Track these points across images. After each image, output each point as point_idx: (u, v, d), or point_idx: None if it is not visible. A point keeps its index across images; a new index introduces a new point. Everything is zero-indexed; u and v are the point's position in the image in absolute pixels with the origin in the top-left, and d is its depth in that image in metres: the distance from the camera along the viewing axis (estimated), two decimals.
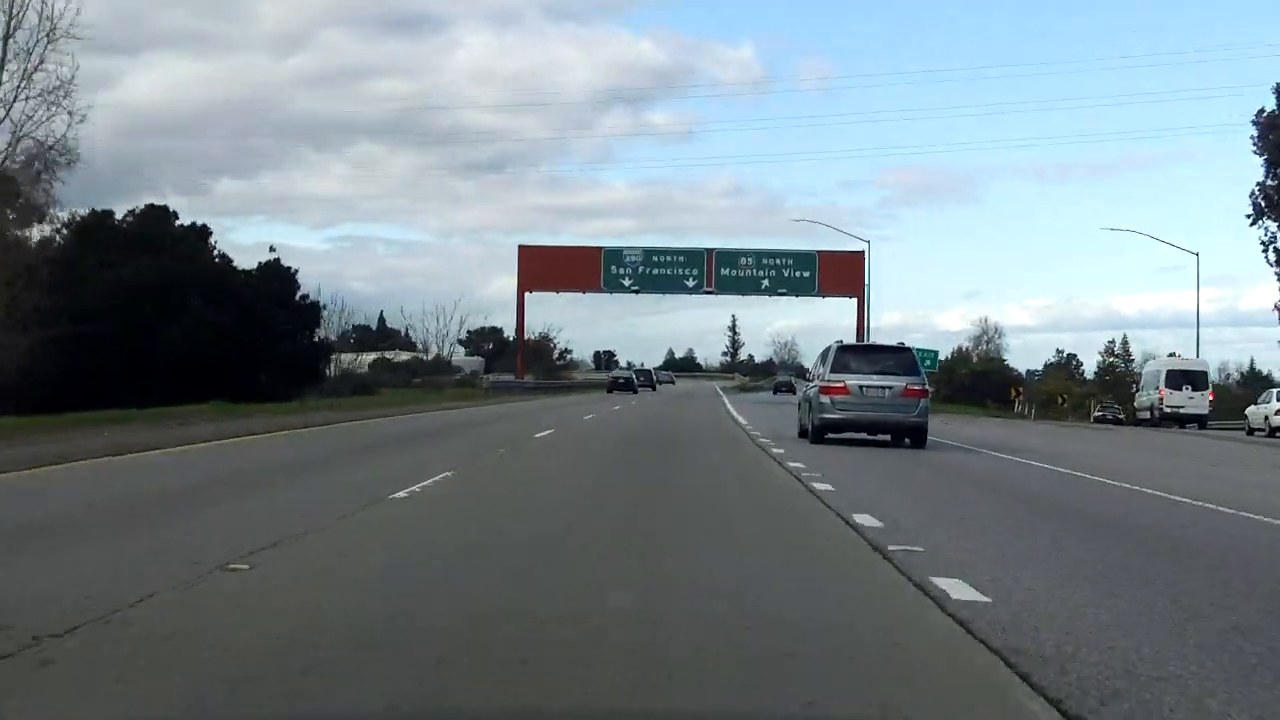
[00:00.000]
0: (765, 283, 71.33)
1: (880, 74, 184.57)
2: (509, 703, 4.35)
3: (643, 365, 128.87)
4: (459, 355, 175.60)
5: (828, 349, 24.56)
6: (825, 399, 22.65)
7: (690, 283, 71.46)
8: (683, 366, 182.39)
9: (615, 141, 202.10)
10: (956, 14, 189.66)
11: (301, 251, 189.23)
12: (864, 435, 23.25)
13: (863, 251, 72.40)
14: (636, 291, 72.80)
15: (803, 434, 24.65)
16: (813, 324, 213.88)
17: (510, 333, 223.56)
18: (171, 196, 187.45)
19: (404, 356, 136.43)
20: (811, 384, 24.91)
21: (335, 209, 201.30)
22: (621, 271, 71.31)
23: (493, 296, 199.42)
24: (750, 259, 71.47)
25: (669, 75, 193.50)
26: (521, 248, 73.63)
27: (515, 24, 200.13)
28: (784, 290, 71.46)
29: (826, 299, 73.79)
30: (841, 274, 70.87)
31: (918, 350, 70.93)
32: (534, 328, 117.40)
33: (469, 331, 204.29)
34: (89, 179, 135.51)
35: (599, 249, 73.06)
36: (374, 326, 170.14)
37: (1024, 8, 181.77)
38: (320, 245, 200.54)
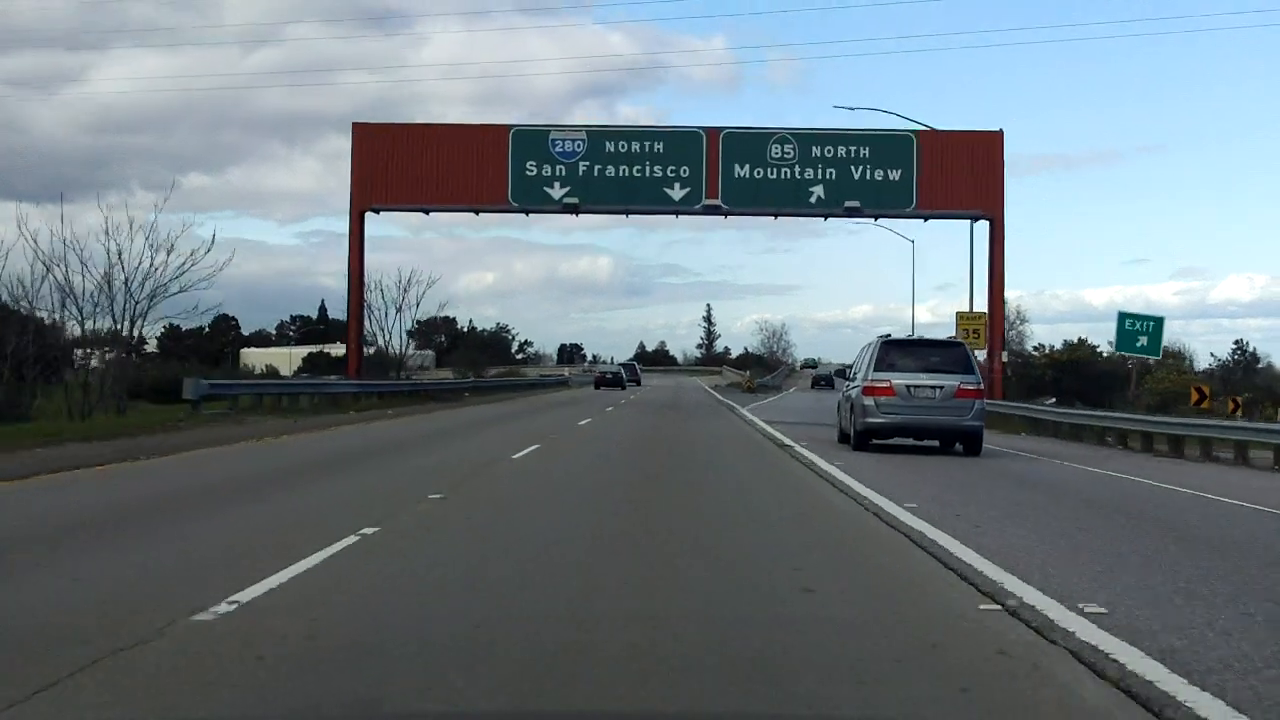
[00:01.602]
0: (817, 193, 37.37)
1: (852, 67, 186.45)
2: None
3: (612, 360, 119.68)
4: (408, 349, 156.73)
5: (870, 344, 22.12)
6: (868, 401, 20.37)
7: (677, 192, 37.49)
8: (655, 360, 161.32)
9: None
10: (929, 7, 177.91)
11: (272, 246, 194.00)
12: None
13: (1000, 133, 38.68)
14: (575, 209, 38.67)
15: (843, 439, 22.20)
16: (793, 317, 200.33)
17: (465, 323, 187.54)
18: (140, 191, 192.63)
19: (343, 350, 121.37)
20: (852, 384, 22.39)
21: (306, 204, 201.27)
22: (548, 173, 37.49)
23: (462, 292, 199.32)
24: (790, 148, 37.51)
25: (640, 70, 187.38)
26: (358, 127, 39.03)
27: (484, 18, 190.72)
28: (855, 203, 37.33)
29: (931, 221, 39.92)
30: (965, 175, 37.22)
31: (1131, 319, 38.80)
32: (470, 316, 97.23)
33: (417, 322, 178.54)
34: (56, 173, 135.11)
35: (504, 129, 38.82)
36: (314, 316, 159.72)
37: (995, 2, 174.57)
38: (291, 240, 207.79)
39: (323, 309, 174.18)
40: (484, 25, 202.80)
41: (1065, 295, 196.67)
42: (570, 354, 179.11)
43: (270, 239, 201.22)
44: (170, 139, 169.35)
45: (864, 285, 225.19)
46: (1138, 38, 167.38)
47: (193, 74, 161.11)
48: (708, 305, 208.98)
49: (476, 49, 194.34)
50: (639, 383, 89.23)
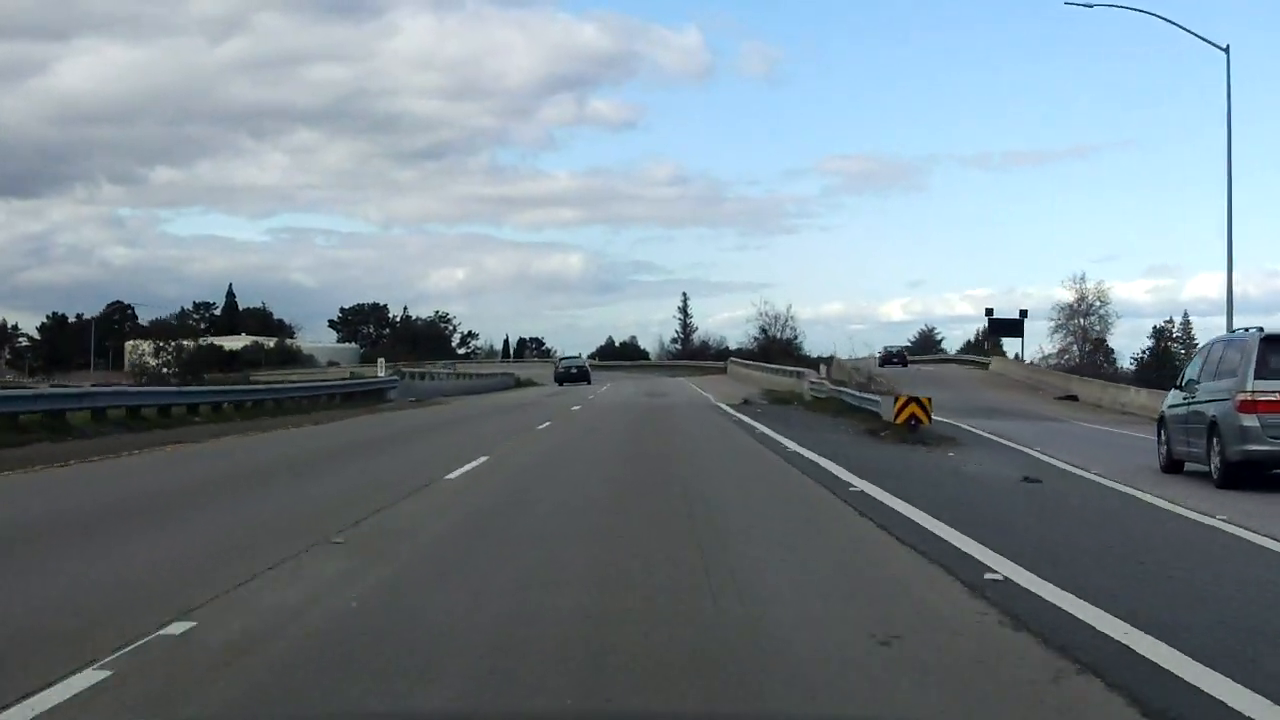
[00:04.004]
0: None
1: (826, 60, 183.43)
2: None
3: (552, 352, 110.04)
4: (327, 342, 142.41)
5: (1230, 340, 16.98)
6: (1248, 420, 15.03)
7: None
8: (625, 355, 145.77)
9: (557, 130, 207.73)
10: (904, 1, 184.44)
11: (240, 243, 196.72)
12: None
13: None
14: None
15: (1171, 468, 17.19)
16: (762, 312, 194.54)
17: (396, 310, 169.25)
18: (106, 185, 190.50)
19: (242, 342, 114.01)
20: (1200, 395, 16.49)
21: (274, 199, 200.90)
22: None
23: (432, 289, 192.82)
24: None
25: (612, 61, 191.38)
26: None
27: (455, 8, 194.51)
28: None
29: None
30: None
31: None
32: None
33: (342, 310, 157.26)
34: (20, 167, 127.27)
35: None
36: (220, 303, 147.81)
37: None
38: (259, 236, 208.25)
39: (230, 294, 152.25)
40: (454, 14, 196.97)
41: (1037, 294, 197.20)
42: (525, 348, 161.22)
43: (239, 235, 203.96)
44: (136, 131, 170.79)
45: (835, 283, 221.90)
46: (1115, 35, 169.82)
47: (159, 64, 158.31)
48: (684, 295, 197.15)
49: (446, 40, 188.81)
50: (589, 380, 74.27)
